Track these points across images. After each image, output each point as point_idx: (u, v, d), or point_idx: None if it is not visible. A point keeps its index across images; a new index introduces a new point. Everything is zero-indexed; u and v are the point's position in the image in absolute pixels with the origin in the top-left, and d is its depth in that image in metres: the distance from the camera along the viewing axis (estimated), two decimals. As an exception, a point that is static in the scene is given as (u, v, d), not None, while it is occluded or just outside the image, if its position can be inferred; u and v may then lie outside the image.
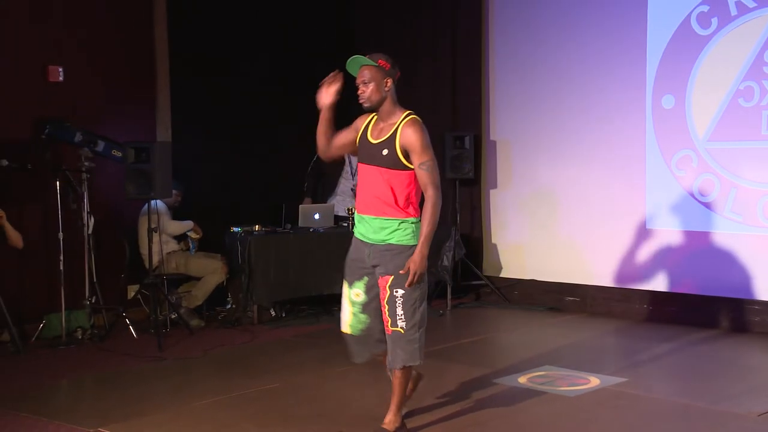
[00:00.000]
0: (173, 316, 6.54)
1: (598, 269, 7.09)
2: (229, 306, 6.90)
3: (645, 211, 6.80)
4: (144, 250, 6.53)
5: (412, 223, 3.93)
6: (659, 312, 6.77)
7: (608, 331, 6.54)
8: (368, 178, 3.97)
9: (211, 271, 6.71)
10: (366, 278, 4.00)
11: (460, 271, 7.70)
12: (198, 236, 6.89)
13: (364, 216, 3.98)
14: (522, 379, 5.05)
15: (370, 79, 3.94)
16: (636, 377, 5.10)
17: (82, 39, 6.68)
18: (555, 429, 4.32)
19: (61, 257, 6.16)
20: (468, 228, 7.89)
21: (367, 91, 3.93)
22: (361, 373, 5.28)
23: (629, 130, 6.86)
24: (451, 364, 5.46)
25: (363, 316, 4.03)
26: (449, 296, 7.31)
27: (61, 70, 6.53)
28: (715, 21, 6.37)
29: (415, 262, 3.81)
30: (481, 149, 7.84)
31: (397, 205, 3.91)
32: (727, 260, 6.37)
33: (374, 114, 4.02)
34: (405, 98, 8.81)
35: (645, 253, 6.80)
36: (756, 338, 6.14)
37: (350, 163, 7.60)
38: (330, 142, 4.08)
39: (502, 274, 7.79)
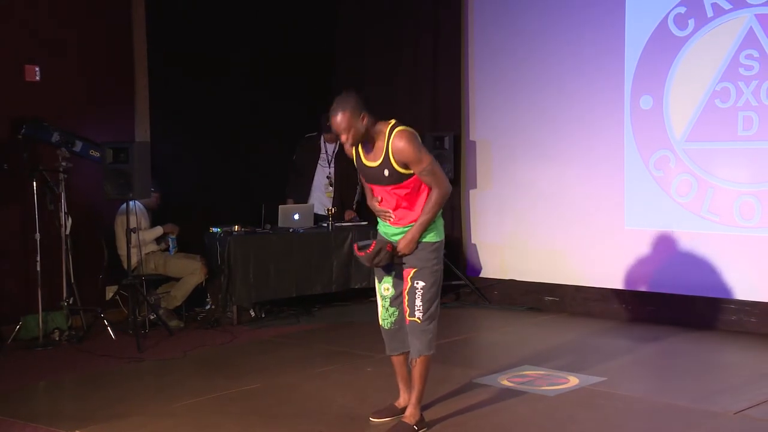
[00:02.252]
0: (152, 317, 6.50)
1: (577, 269, 7.13)
2: (208, 307, 6.87)
3: (623, 211, 6.85)
4: (122, 251, 6.50)
5: (433, 221, 4.14)
6: (638, 312, 6.82)
7: (587, 331, 6.57)
8: (383, 196, 4.19)
9: (190, 272, 6.68)
10: (393, 272, 4.23)
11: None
12: (174, 233, 6.82)
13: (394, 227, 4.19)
14: (502, 379, 5.07)
15: (347, 127, 4.05)
16: (614, 376, 5.13)
17: (60, 38, 6.63)
18: (534, 429, 4.34)
19: (38, 258, 6.11)
20: (448, 228, 7.80)
21: (350, 138, 4.06)
22: (342, 373, 5.29)
23: (608, 130, 6.91)
24: (431, 365, 5.45)
25: (392, 309, 4.28)
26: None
27: (37, 69, 6.47)
28: (692, 22, 6.42)
29: (405, 239, 4.09)
30: (461, 150, 7.86)
31: (417, 210, 4.13)
32: (704, 260, 6.43)
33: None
34: (385, 99, 8.91)
35: (623, 253, 6.84)
36: (733, 337, 6.20)
37: (326, 150, 7.60)
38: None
39: (482, 275, 7.81)
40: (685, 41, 6.45)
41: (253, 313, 6.91)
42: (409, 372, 4.29)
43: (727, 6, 6.25)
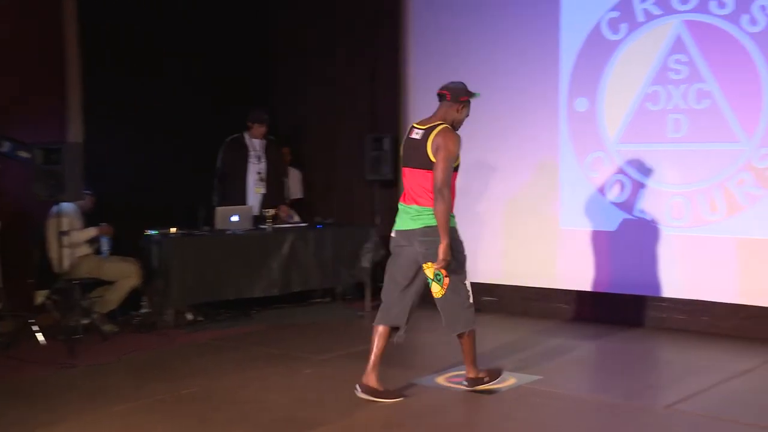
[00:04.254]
0: (85, 322, 6.35)
1: (514, 269, 7.21)
2: (144, 310, 6.75)
3: (559, 211, 6.95)
4: (53, 254, 6.34)
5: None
6: (574, 310, 6.93)
7: (525, 330, 6.65)
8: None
9: (125, 275, 6.55)
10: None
11: (379, 273, 7.72)
12: (108, 234, 6.68)
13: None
14: (440, 379, 5.10)
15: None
16: (551, 375, 5.21)
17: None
18: (472, 428, 4.38)
19: (-34, 262, 5.94)
20: (388, 229, 7.89)
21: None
22: (281, 376, 5.26)
23: (544, 132, 7.00)
24: (370, 366, 5.47)
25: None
26: (368, 297, 7.32)
27: (-38, 67, 6.30)
28: (624, 27, 6.56)
29: None
30: (400, 151, 7.86)
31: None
32: (637, 259, 6.57)
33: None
34: (325, 101, 8.87)
35: (559, 252, 6.95)
36: (664, 334, 6.35)
37: (254, 147, 7.54)
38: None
39: (421, 275, 7.84)
40: (618, 45, 6.59)
41: (190, 317, 6.82)
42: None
43: (656, 11, 6.40)
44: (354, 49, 8.15)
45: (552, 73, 6.91)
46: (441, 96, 4.81)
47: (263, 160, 7.57)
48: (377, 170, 7.70)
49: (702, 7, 6.19)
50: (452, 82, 4.90)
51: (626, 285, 6.58)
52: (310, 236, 7.15)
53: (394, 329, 4.78)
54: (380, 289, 7.58)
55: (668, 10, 6.34)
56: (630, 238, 6.58)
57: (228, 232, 6.96)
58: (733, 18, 6.07)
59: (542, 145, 7.02)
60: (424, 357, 6.06)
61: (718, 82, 6.16)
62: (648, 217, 6.52)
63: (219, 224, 7.01)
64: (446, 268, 4.57)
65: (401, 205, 4.80)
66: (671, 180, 6.40)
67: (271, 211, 7.21)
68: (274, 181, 7.64)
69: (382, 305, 4.76)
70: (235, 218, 7.05)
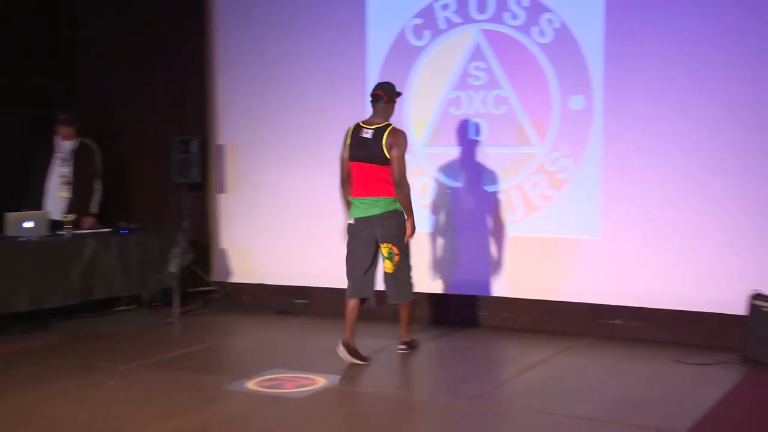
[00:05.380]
0: None
1: (325, 271, 7.25)
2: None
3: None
4: None
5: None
6: (385, 310, 7.06)
7: (336, 331, 6.67)
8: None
9: None
10: None
11: (187, 278, 7.55)
12: None
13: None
14: (250, 384, 5.05)
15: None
16: (361, 375, 5.29)
17: None
18: (283, 431, 4.36)
19: None
20: (196, 233, 7.76)
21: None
22: (82, 389, 5.00)
23: (352, 135, 7.10)
24: (179, 373, 5.34)
25: None
26: (176, 304, 7.13)
27: None
28: (427, 34, 6.79)
29: None
30: (208, 153, 7.74)
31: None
32: (443, 259, 6.81)
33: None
34: (132, 102, 8.53)
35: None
36: (469, 331, 6.61)
37: (61, 149, 7.19)
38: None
39: (232, 279, 7.74)
40: (422, 51, 6.81)
41: (-21, 331, 6.33)
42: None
43: (457, 20, 6.68)
44: (159, 54, 7.91)
45: (359, 77, 7.03)
46: (378, 97, 5.53)
47: (69, 162, 7.19)
48: (185, 173, 7.53)
49: (497, 18, 6.53)
50: (383, 84, 5.61)
51: (435, 284, 6.80)
52: (114, 242, 6.86)
53: (362, 300, 5.64)
54: (189, 294, 7.54)
55: (467, 19, 6.63)
56: (436, 238, 6.82)
57: (21, 239, 6.52)
58: (524, 29, 6.44)
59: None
60: (235, 362, 5.98)
61: (513, 89, 6.51)
62: (453, 218, 6.77)
63: (10, 231, 6.55)
64: (399, 246, 5.50)
65: (354, 199, 5.55)
66: (475, 182, 6.69)
67: (70, 217, 6.84)
68: (81, 187, 7.27)
69: (350, 284, 5.60)
70: (29, 224, 6.61)
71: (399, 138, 5.46)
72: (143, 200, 8.08)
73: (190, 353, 5.98)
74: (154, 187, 8.03)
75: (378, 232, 5.52)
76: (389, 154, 5.42)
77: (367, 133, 5.48)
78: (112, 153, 7.80)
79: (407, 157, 5.53)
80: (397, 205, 5.50)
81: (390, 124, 5.52)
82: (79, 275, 6.65)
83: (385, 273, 5.62)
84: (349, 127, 5.60)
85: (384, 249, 5.54)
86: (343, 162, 5.61)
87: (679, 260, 6.01)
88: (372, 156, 5.45)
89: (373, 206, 5.50)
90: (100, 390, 5.00)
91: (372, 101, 5.56)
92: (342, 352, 5.52)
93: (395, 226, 5.50)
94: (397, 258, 5.53)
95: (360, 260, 5.58)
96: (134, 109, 8.09)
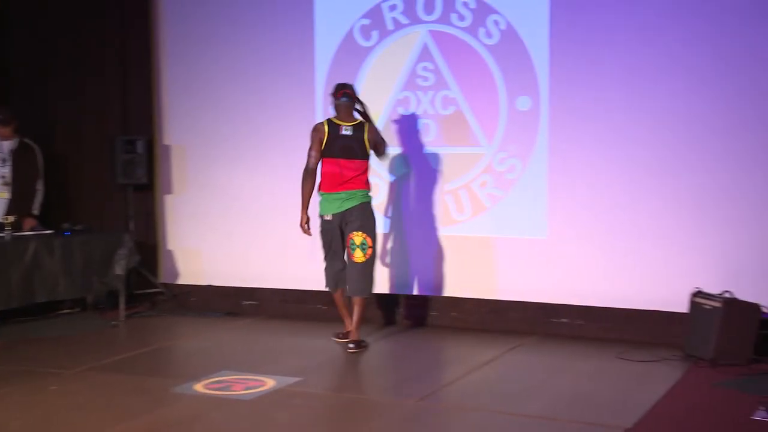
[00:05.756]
0: None
1: (273, 272, 7.23)
2: None
3: (316, 212, 7.04)
4: None
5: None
6: (334, 311, 7.05)
7: (285, 332, 6.70)
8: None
9: None
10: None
11: (134, 280, 7.45)
12: None
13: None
14: (198, 386, 4.99)
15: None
16: (310, 376, 5.27)
17: None
18: (231, 433, 4.33)
19: None
20: (142, 235, 7.65)
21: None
22: (23, 395, 4.89)
23: (302, 134, 7.03)
24: (125, 377, 5.26)
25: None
26: (122, 306, 7.02)
27: None
28: (375, 34, 6.79)
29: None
30: (154, 154, 7.64)
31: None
32: (396, 259, 6.81)
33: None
34: (73, 101, 8.38)
35: (320, 255, 7.03)
36: (420, 331, 6.64)
37: (0, 148, 7.04)
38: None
39: (179, 281, 7.65)
40: (370, 51, 6.81)
41: None
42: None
43: (404, 21, 6.70)
44: (102, 53, 7.78)
45: (308, 77, 7.01)
46: (348, 96, 5.83)
47: (8, 163, 7.04)
48: (131, 174, 7.43)
49: (445, 19, 6.56)
50: (347, 84, 5.92)
51: (384, 285, 6.80)
52: (57, 244, 6.72)
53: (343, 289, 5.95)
54: (136, 296, 7.43)
55: (415, 20, 6.65)
56: (385, 238, 6.82)
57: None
58: (471, 30, 6.49)
59: (300, 147, 7.05)
60: (182, 365, 5.92)
61: (461, 89, 6.55)
62: (402, 219, 6.79)
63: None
64: (373, 238, 5.81)
65: (328, 194, 5.83)
66: (423, 182, 6.71)
67: (10, 218, 6.69)
68: (22, 188, 7.11)
69: (331, 277, 5.93)
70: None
71: (379, 134, 5.94)
72: (86, 201, 7.93)
73: (137, 356, 5.89)
74: (97, 188, 7.89)
75: (355, 224, 5.77)
76: (371, 149, 5.84)
77: (348, 130, 5.79)
78: (51, 153, 7.67)
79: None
80: (371, 198, 5.87)
81: (363, 122, 5.88)
82: (21, 278, 6.51)
83: (353, 263, 5.82)
84: (321, 125, 5.86)
85: (358, 238, 5.77)
86: (313, 158, 5.84)
87: (624, 259, 6.11)
88: (354, 152, 5.77)
89: (348, 200, 5.79)
90: (42, 396, 4.89)
91: (342, 99, 5.82)
92: (349, 344, 5.84)
93: (372, 218, 5.85)
94: (370, 250, 5.80)
95: (338, 254, 5.89)
96: (75, 109, 7.93)
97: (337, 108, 5.87)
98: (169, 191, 7.66)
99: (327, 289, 6.10)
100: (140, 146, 7.43)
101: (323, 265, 6.01)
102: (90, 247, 6.92)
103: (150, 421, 4.39)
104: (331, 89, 5.99)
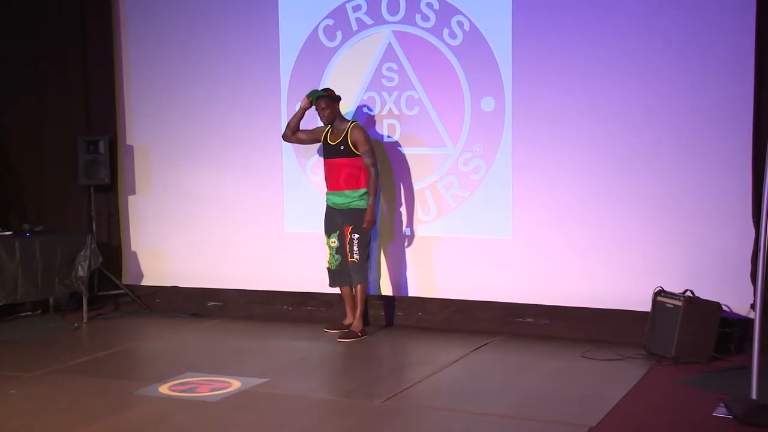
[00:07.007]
0: None
1: (238, 273, 7.19)
2: None
3: (284, 214, 7.04)
4: None
5: (363, 192, 6.21)
6: (299, 312, 7.05)
7: (250, 333, 6.66)
8: (334, 167, 6.26)
9: None
10: (337, 231, 6.33)
11: (96, 281, 7.36)
12: None
13: (335, 191, 6.28)
14: (162, 388, 4.95)
15: (326, 105, 6.25)
16: (276, 377, 5.25)
17: None
18: (196, 436, 4.29)
19: None
20: (105, 236, 7.56)
21: (326, 113, 6.27)
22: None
23: (267, 135, 7.05)
24: (88, 379, 5.20)
25: (337, 256, 6.38)
26: (85, 308, 6.93)
27: None
28: (339, 34, 6.78)
29: (367, 220, 6.21)
30: (117, 154, 7.55)
31: (354, 182, 6.21)
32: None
33: (330, 126, 6.34)
34: (35, 100, 8.25)
35: (285, 255, 7.04)
36: (385, 332, 6.64)
37: None
38: (294, 132, 6.50)
39: (143, 282, 7.58)
40: (335, 52, 6.80)
41: None
42: (353, 297, 6.35)
43: (368, 21, 6.70)
44: (63, 53, 7.66)
45: (272, 77, 6.98)
46: (333, 98, 6.27)
47: None
48: (93, 174, 7.34)
49: (409, 19, 6.57)
50: (326, 89, 6.37)
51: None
52: (17, 245, 6.62)
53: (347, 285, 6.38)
54: (99, 298, 7.35)
55: (379, 20, 6.65)
56: (350, 238, 6.81)
57: None
58: (435, 31, 6.51)
59: (265, 148, 7.07)
60: (146, 367, 5.86)
61: (425, 90, 6.57)
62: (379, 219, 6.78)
63: None
64: (360, 232, 6.21)
65: (333, 193, 6.32)
66: (388, 183, 6.71)
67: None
68: None
69: (338, 273, 6.37)
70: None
71: (365, 132, 6.31)
72: (47, 202, 7.82)
73: (100, 358, 5.82)
74: (59, 189, 7.78)
75: (348, 222, 6.33)
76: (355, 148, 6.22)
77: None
78: (6, 153, 7.55)
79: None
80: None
81: (351, 121, 6.39)
82: (-20, 280, 6.41)
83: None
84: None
85: (349, 234, 6.32)
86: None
87: (589, 259, 6.17)
88: (341, 151, 6.26)
89: (346, 198, 6.36)
90: (1, 399, 4.81)
91: (333, 103, 6.25)
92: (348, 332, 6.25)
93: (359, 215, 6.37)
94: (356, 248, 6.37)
95: (342, 253, 6.39)
96: (32, 109, 7.81)
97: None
98: (132, 192, 7.58)
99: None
100: (103, 146, 7.35)
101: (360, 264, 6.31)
102: (51, 249, 6.83)
103: (114, 424, 4.35)
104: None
